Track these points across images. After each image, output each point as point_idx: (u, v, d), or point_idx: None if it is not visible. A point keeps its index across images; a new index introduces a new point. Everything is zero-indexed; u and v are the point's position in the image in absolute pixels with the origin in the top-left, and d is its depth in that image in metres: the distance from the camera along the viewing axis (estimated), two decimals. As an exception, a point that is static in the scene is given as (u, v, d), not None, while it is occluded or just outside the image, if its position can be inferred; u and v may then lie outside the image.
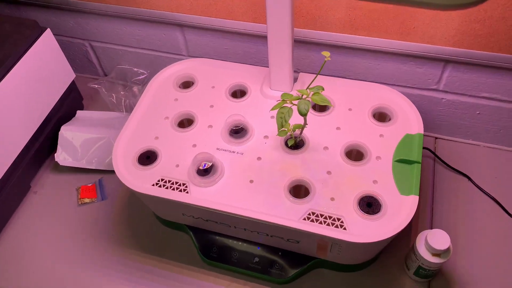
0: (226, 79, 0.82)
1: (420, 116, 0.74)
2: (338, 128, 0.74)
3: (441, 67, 0.80)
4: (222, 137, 0.74)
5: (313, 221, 0.64)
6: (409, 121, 0.74)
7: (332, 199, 0.66)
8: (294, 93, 0.70)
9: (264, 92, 0.79)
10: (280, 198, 0.66)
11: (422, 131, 0.72)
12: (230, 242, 0.77)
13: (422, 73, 0.82)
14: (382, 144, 0.71)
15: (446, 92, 0.84)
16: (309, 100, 0.57)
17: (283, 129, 0.68)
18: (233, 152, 0.72)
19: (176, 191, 0.68)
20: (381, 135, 0.73)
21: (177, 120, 0.78)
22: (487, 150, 0.91)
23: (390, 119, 0.75)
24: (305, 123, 0.64)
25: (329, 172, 0.69)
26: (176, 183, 0.69)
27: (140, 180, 0.70)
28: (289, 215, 0.65)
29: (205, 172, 0.68)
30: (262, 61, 0.90)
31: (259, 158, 0.71)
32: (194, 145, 0.74)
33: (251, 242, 0.76)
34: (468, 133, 0.90)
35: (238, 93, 0.83)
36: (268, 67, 0.78)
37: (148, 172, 0.71)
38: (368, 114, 0.75)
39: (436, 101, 0.86)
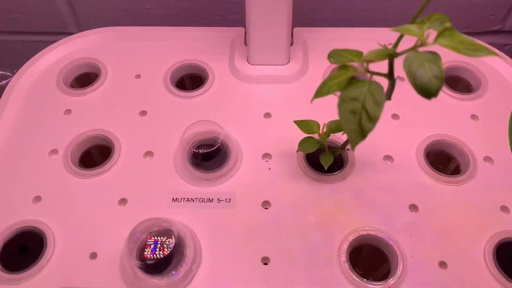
0: (163, 58, 0.44)
1: (525, 73, 0.42)
2: (395, 116, 0.39)
3: (517, -11, 0.48)
4: (179, 172, 0.36)
5: (425, 328, 0.29)
6: (509, 84, 0.42)
7: (442, 264, 0.31)
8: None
9: (239, 70, 0.42)
10: (340, 285, 0.31)
11: (542, 97, 0.40)
12: None
13: (482, 4, 0.50)
14: (481, 131, 0.38)
15: (513, 32, 0.54)
16: (437, 54, 0.21)
17: (309, 136, 0.33)
18: (209, 200, 0.35)
19: (101, 323, 0.30)
20: (473, 116, 0.39)
21: (77, 152, 0.38)
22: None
23: (473, 87, 0.42)
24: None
25: (414, 207, 0.34)
26: (98, 299, 0.30)
27: (10, 309, 0.30)
28: (370, 325, 0.29)
29: (160, 265, 0.30)
30: (216, 23, 0.53)
31: (266, 204, 0.34)
32: (123, 201, 0.35)
33: None
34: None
35: (188, 81, 0.45)
36: (238, 26, 0.41)
37: (25, 286, 0.31)
38: (436, 82, 0.42)
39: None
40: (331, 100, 0.26)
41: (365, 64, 0.23)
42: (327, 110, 0.30)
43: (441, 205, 0.34)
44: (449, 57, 0.43)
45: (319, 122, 0.34)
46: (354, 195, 0.35)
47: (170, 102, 0.41)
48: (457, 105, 0.40)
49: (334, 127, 0.33)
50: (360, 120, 0.22)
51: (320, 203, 0.34)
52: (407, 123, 0.39)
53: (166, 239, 0.30)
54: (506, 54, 0.55)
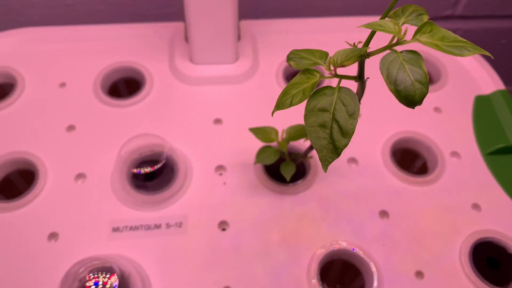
0: (91, 61, 0.38)
1: (486, 62, 0.40)
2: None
3: (466, -28, 0.47)
4: (119, 196, 0.31)
5: None
6: (468, 73, 0.40)
7: (419, 274, 0.29)
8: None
9: (181, 72, 0.37)
10: (312, 315, 0.27)
11: (502, 86, 0.39)
12: None
13: (432, -10, 0.49)
14: (445, 126, 0.36)
15: (464, 18, 0.52)
16: (418, 53, 0.18)
17: (268, 144, 0.29)
18: (157, 227, 0.30)
19: None
20: (436, 109, 0.37)
21: (-9, 182, 0.32)
22: None
23: (433, 78, 0.40)
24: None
25: (384, 214, 0.31)
26: None
27: None
28: None
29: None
30: (151, 18, 0.47)
31: (223, 225, 0.30)
32: (53, 236, 0.29)
33: None
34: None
35: (123, 87, 0.39)
36: (176, 21, 0.36)
37: None
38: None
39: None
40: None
41: (332, 68, 0.19)
42: (285, 113, 0.26)
43: (412, 208, 0.32)
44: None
45: (277, 127, 0.30)
46: (320, 205, 0.31)
47: (102, 113, 0.35)
48: (418, 98, 0.38)
49: (294, 133, 0.29)
50: (331, 134, 0.18)
51: (284, 218, 0.31)
52: (369, 121, 0.36)
53: (108, 278, 0.25)
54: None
